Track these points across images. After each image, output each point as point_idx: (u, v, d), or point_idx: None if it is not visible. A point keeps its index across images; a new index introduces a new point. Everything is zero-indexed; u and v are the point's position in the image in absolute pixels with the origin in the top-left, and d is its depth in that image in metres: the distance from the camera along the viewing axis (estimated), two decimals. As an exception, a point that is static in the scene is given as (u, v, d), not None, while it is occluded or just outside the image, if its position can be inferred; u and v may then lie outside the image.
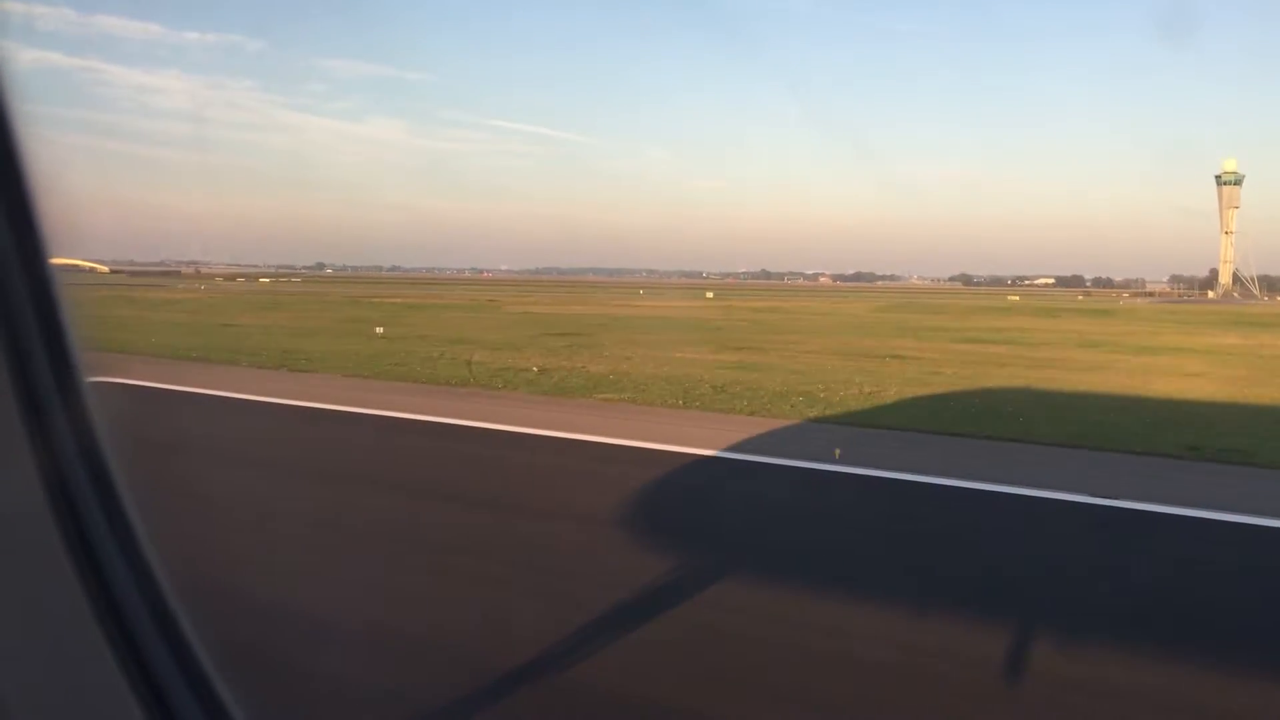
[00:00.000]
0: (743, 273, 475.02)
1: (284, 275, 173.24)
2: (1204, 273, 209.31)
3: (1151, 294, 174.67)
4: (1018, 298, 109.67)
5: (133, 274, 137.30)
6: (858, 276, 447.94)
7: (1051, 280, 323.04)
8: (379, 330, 28.00)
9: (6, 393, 1.19)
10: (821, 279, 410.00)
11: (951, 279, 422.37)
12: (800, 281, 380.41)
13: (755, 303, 73.27)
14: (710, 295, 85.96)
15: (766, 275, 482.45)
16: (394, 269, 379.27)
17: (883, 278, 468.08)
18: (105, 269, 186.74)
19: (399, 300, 60.30)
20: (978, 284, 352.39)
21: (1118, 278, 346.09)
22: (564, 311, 48.45)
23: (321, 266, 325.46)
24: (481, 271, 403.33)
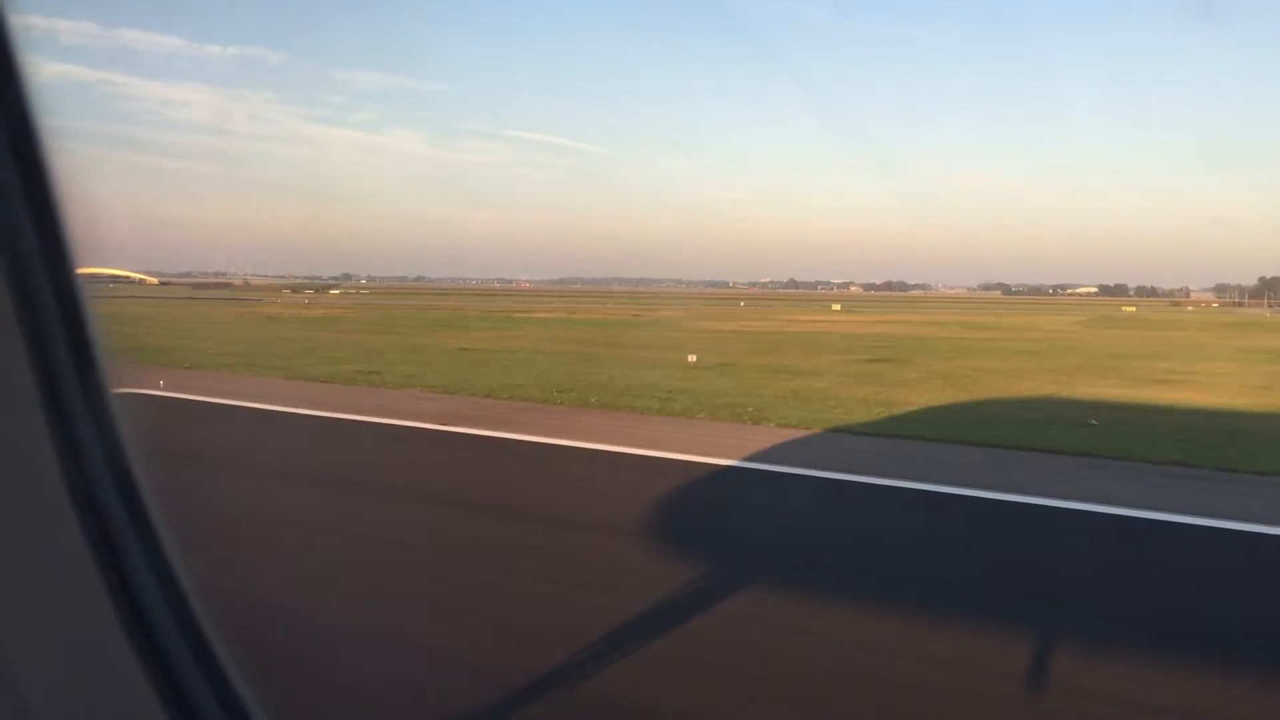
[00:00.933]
0: (768, 282, 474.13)
1: (344, 287, 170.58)
2: (1251, 281, 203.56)
3: (1240, 303, 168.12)
4: (1134, 309, 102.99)
5: (193, 285, 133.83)
6: (888, 285, 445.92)
7: (1094, 289, 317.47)
8: (691, 359, 23.01)
9: (33, 402, 1.18)
10: (852, 288, 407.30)
11: (985, 287, 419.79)
12: (833, 290, 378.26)
13: (916, 316, 67.67)
14: (838, 307, 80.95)
15: (794, 284, 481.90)
16: (419, 279, 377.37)
17: (913, 286, 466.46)
18: (154, 280, 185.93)
19: (551, 314, 55.31)
20: (1017, 292, 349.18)
21: (1161, 286, 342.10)
22: (757, 329, 43.50)
23: (348, 277, 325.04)
24: (511, 281, 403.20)
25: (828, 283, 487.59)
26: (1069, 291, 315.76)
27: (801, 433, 13.09)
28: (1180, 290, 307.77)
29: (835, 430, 13.22)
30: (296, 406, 13.99)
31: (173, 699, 1.31)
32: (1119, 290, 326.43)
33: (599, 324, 44.28)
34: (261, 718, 1.46)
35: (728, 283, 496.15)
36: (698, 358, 23.11)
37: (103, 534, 1.25)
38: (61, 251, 1.21)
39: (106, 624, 1.24)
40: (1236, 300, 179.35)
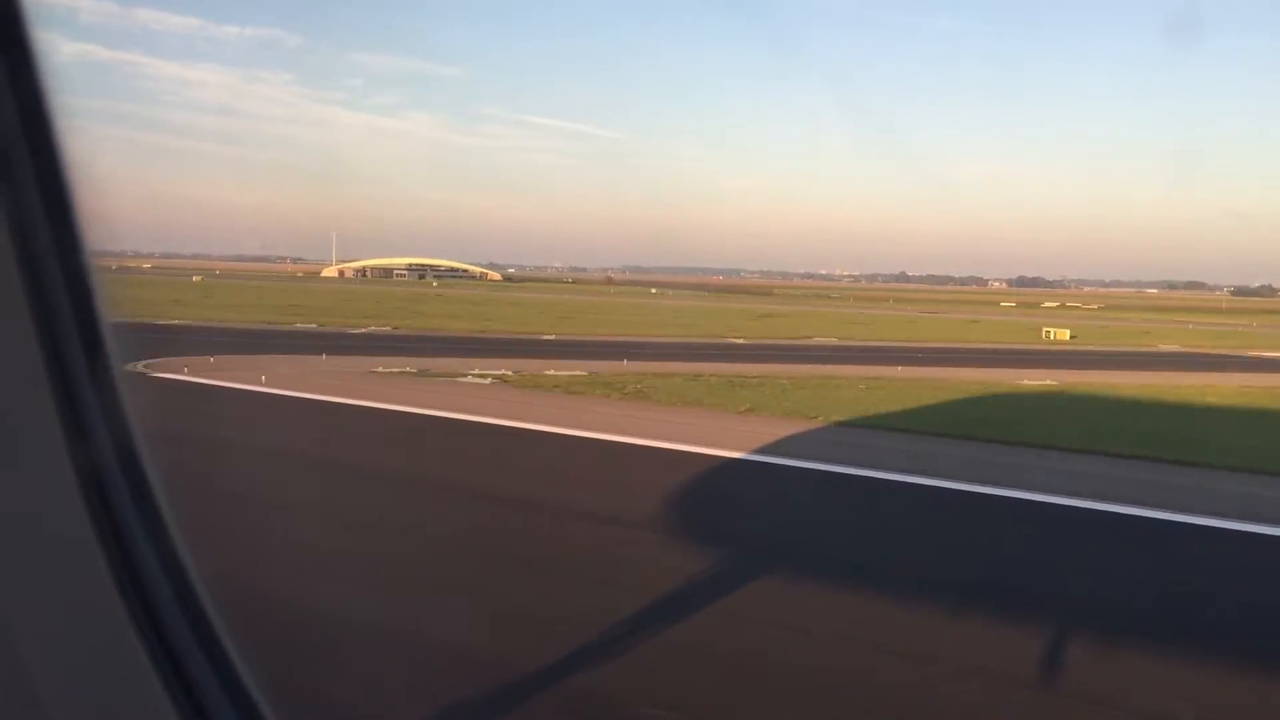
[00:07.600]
0: (864, 275, 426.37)
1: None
2: None
3: None
4: None
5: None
6: (1020, 281, 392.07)
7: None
8: None
9: (41, 383, 1.16)
10: (993, 284, 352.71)
11: (1171, 285, 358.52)
12: (973, 287, 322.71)
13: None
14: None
15: (905, 278, 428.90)
16: (491, 265, 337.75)
17: (1052, 283, 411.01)
18: (496, 275, 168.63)
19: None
20: (1197, 290, 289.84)
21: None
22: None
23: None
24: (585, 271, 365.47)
25: (946, 277, 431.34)
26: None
27: None
28: None
29: None
30: None
31: (178, 686, 1.27)
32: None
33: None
34: (264, 706, 1.41)
35: (836, 273, 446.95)
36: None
37: (110, 517, 1.22)
38: (72, 234, 1.18)
39: (112, 607, 1.20)
40: None
